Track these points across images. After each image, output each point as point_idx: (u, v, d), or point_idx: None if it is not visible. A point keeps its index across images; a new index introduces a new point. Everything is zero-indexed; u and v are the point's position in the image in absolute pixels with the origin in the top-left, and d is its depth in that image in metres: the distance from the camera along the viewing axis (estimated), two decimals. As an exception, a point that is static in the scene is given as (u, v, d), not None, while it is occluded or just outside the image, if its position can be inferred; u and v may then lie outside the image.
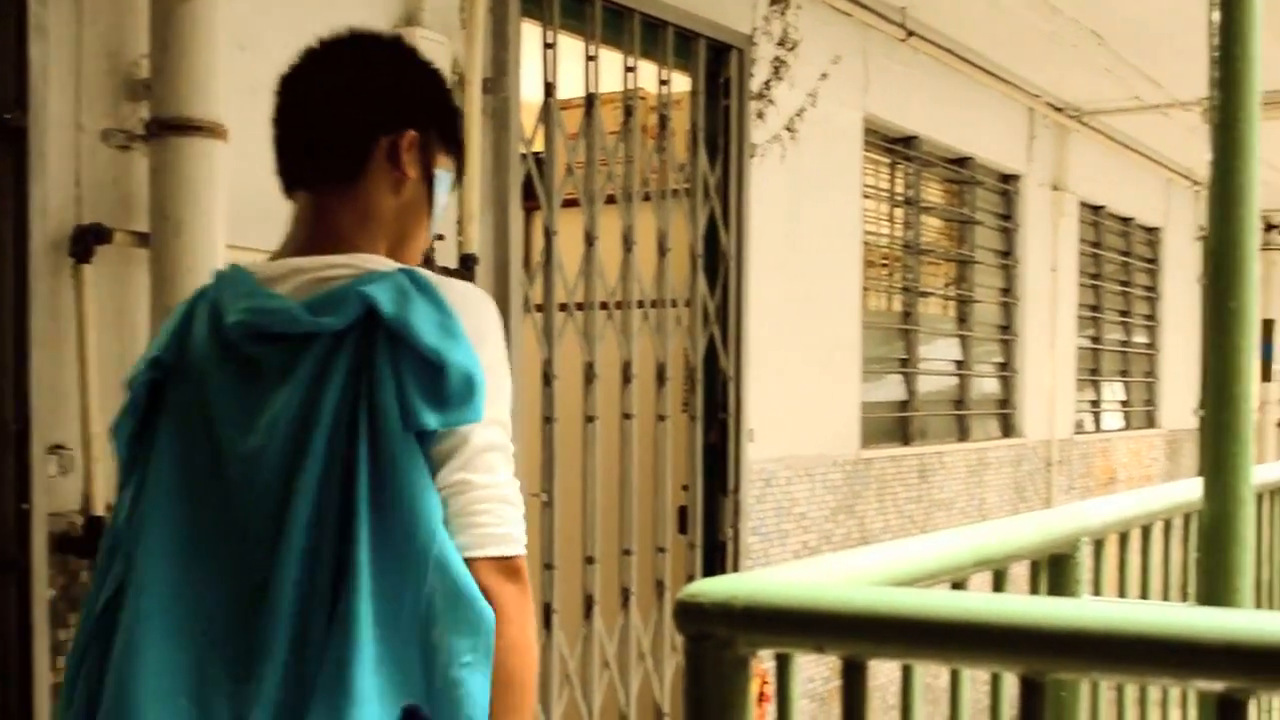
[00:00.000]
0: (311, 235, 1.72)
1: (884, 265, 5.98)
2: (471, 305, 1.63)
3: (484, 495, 1.57)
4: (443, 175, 1.81)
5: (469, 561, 1.54)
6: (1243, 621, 0.86)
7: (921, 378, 6.22)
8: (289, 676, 1.51)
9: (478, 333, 1.60)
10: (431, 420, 1.54)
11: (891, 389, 6.03)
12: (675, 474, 4.27)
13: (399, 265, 1.65)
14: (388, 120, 1.74)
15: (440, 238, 3.26)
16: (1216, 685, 0.90)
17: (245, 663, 1.54)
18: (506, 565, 1.58)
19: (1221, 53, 1.49)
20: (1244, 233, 1.57)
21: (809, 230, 5.01)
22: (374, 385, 1.55)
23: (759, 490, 4.72)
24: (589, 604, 3.94)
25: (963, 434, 6.63)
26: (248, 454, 1.59)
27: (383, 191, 1.74)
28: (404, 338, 1.55)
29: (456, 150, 1.86)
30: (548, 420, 3.80)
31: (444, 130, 1.81)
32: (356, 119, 1.74)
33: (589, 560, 3.94)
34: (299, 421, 1.57)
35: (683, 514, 4.36)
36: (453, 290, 1.63)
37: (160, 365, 1.70)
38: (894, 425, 5.99)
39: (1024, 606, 0.90)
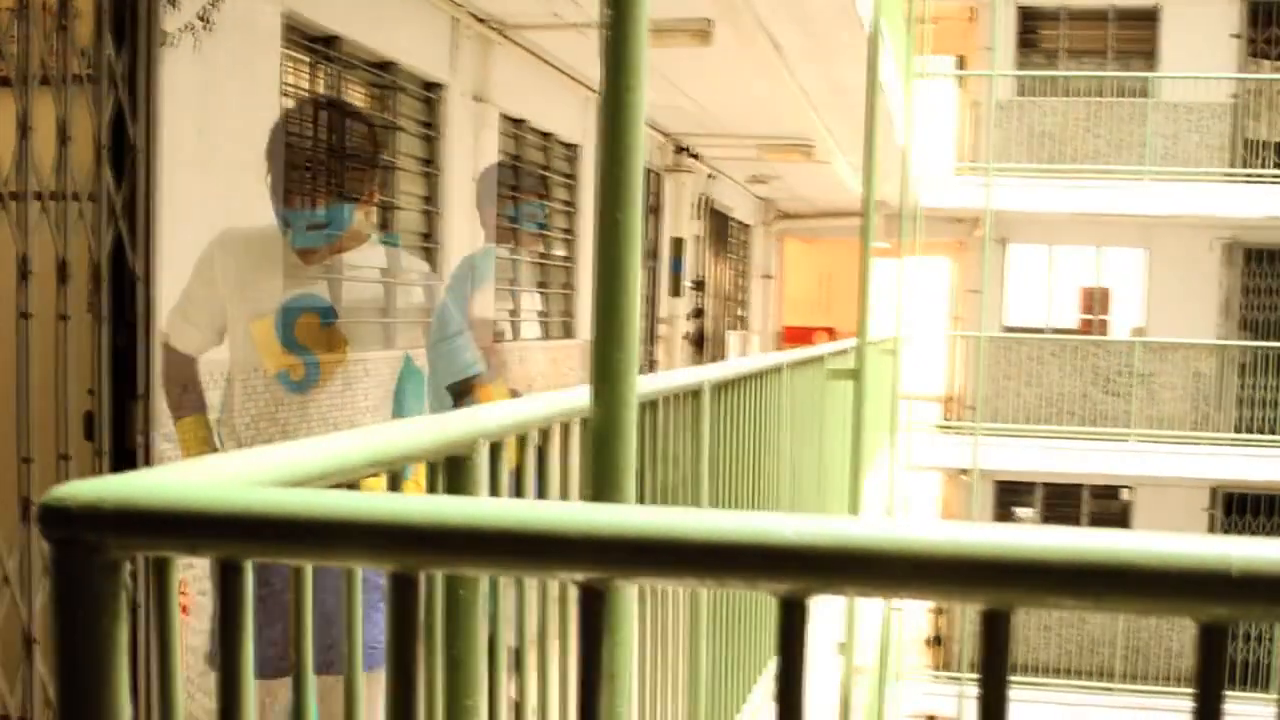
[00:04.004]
0: None
1: (307, 168, 5.88)
2: None
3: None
4: None
5: None
6: (597, 515, 0.90)
7: (346, 284, 6.18)
8: None
9: None
10: None
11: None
12: (80, 377, 4.04)
13: None
14: None
15: None
16: (577, 575, 0.94)
17: None
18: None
19: (614, -30, 1.55)
20: (630, 148, 1.65)
21: (226, 126, 4.85)
22: None
23: (174, 396, 4.57)
24: (-17, 516, 3.69)
25: (389, 341, 6.65)
26: None
27: None
28: None
29: None
30: (-68, 319, 3.51)
31: None
32: None
33: (-19, 469, 3.68)
34: None
35: (89, 419, 4.15)
36: None
37: None
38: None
39: (390, 504, 0.91)
